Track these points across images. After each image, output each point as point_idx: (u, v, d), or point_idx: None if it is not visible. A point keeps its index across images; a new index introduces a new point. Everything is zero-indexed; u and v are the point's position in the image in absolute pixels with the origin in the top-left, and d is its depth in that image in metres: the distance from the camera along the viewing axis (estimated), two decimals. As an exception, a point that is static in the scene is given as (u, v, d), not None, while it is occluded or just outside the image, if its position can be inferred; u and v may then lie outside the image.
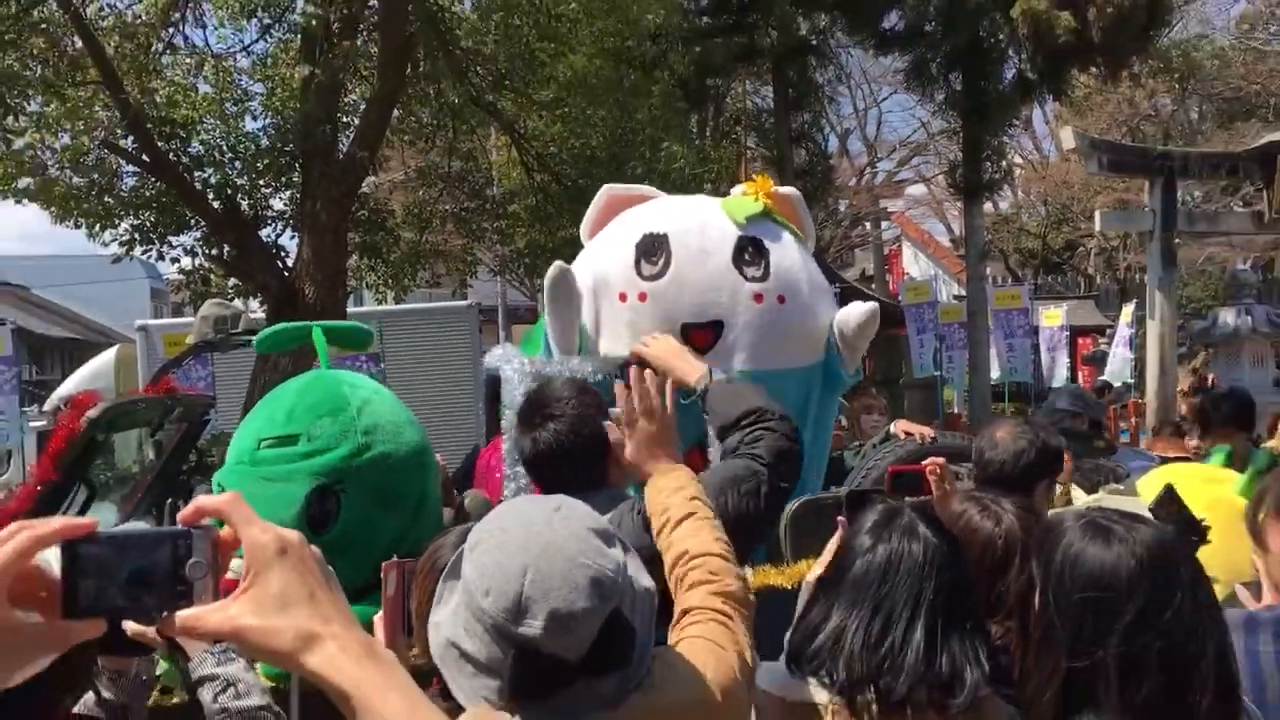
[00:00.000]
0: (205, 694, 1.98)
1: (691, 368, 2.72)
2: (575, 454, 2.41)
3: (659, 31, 13.88)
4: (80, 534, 0.98)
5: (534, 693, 1.56)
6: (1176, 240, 13.40)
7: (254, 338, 6.46)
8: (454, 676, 1.60)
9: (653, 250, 3.41)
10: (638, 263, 3.39)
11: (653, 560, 1.92)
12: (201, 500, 1.03)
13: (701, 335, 3.39)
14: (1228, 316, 13.56)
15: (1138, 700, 1.55)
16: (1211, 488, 3.93)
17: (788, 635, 1.92)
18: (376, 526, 2.75)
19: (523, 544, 1.56)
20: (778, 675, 1.90)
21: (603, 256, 3.45)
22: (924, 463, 3.08)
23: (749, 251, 3.44)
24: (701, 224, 3.45)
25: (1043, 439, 3.16)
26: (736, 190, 3.70)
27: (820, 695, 1.81)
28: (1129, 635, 1.57)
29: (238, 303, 11.56)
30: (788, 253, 3.56)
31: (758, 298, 3.40)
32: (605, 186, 3.72)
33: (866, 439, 6.01)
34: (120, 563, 0.99)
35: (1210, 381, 13.59)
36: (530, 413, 2.49)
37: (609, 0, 11.39)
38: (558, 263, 3.42)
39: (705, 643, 1.72)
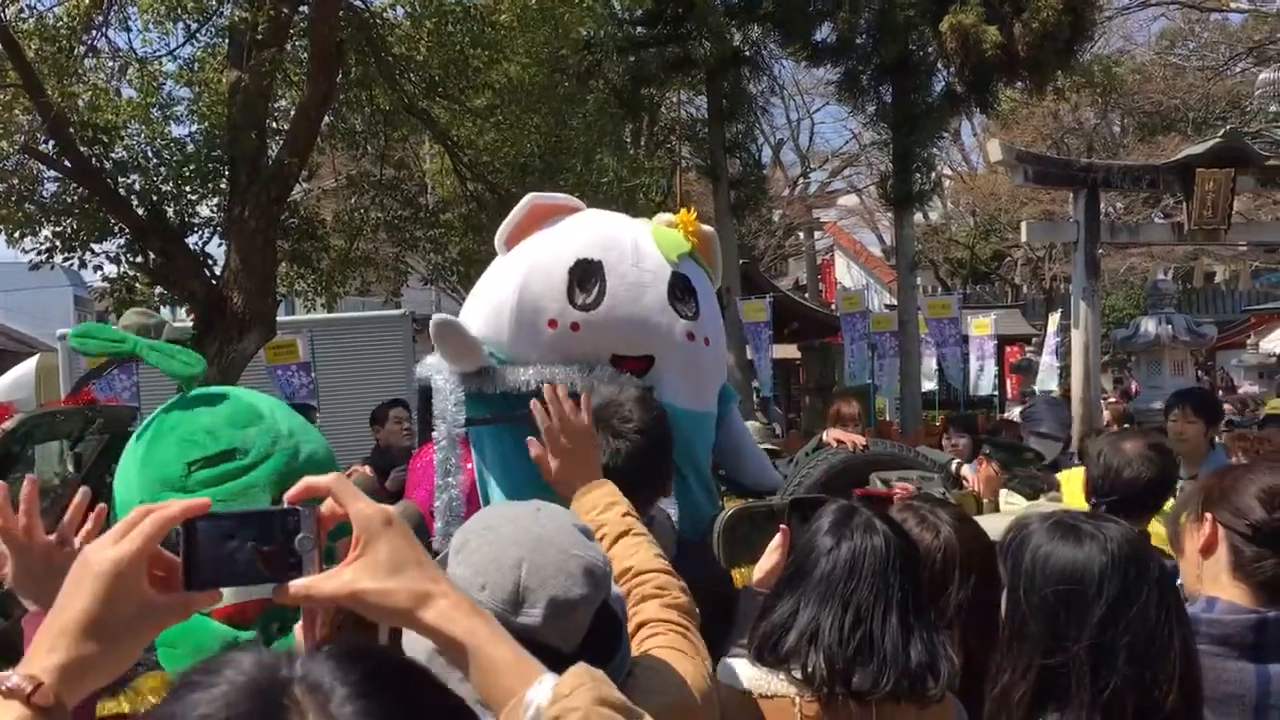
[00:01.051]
0: None
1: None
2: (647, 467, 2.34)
3: (593, 41, 13.89)
4: (198, 513, 1.08)
5: None
6: (1100, 251, 13.70)
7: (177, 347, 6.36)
8: (448, 679, 1.60)
9: (587, 278, 3.35)
10: (571, 290, 3.34)
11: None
12: (309, 480, 1.13)
13: (633, 365, 3.37)
14: (1149, 325, 13.88)
15: (1105, 695, 1.59)
16: None
17: (750, 633, 1.95)
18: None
19: (514, 538, 1.60)
20: (744, 671, 1.91)
21: (533, 279, 3.37)
22: (893, 488, 3.10)
23: (680, 289, 3.43)
24: (636, 255, 3.41)
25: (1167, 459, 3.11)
26: (662, 219, 3.68)
27: (790, 688, 1.84)
28: (1099, 630, 1.61)
29: (165, 311, 11.34)
30: (709, 297, 3.59)
31: (690, 336, 3.39)
32: (530, 195, 3.63)
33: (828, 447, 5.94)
34: (235, 538, 1.08)
35: (1133, 389, 13.90)
36: (597, 425, 2.33)
37: (543, 9, 11.36)
38: (439, 318, 3.29)
39: (674, 651, 1.75)
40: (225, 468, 2.66)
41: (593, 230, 3.55)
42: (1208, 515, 2.06)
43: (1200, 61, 30.07)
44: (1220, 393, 17.14)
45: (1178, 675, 1.60)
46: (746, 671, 1.90)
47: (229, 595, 3.05)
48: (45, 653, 1.04)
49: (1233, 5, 27.96)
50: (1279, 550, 1.97)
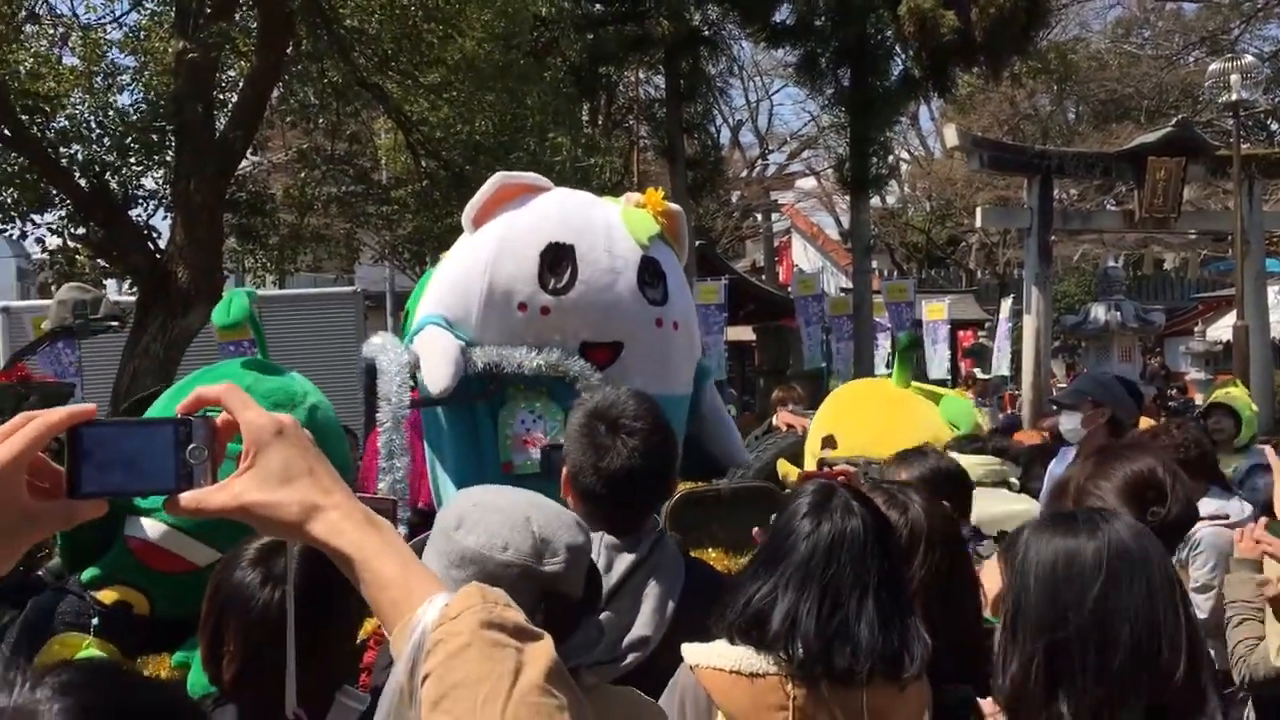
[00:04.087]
0: None
1: None
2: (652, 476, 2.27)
3: (550, 18, 13.74)
4: (84, 420, 1.03)
5: (559, 636, 1.59)
6: (1052, 237, 13.82)
7: (116, 323, 6.23)
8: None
9: (558, 262, 3.31)
10: (542, 274, 3.29)
11: None
12: (200, 389, 1.10)
13: (600, 353, 3.32)
14: (1099, 312, 14.04)
15: (1112, 668, 1.58)
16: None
17: (721, 612, 1.93)
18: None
19: (511, 504, 1.72)
20: (725, 651, 1.89)
21: (504, 261, 3.32)
22: (835, 469, 3.10)
23: (649, 273, 3.38)
24: (607, 239, 3.37)
25: None
26: (631, 198, 3.62)
27: (778, 668, 1.84)
28: (1099, 602, 1.61)
29: (111, 284, 11.12)
30: (678, 278, 3.55)
31: (658, 322, 3.35)
32: (499, 174, 3.56)
33: (778, 431, 5.98)
34: (122, 447, 1.05)
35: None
36: (599, 427, 2.27)
37: (499, -17, 11.23)
38: (450, 367, 3.24)
39: None
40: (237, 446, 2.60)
41: (564, 212, 3.50)
42: None
43: (1154, 50, 30.41)
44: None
45: (1185, 648, 1.60)
46: (729, 651, 1.89)
47: (149, 531, 3.04)
48: None
49: (1187, -5, 28.29)
50: None
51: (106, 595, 3.22)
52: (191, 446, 1.06)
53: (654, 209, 3.52)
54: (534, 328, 3.29)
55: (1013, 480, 3.87)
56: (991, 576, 2.02)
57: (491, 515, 1.68)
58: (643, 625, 2.15)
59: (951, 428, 4.14)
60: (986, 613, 2.21)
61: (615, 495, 2.23)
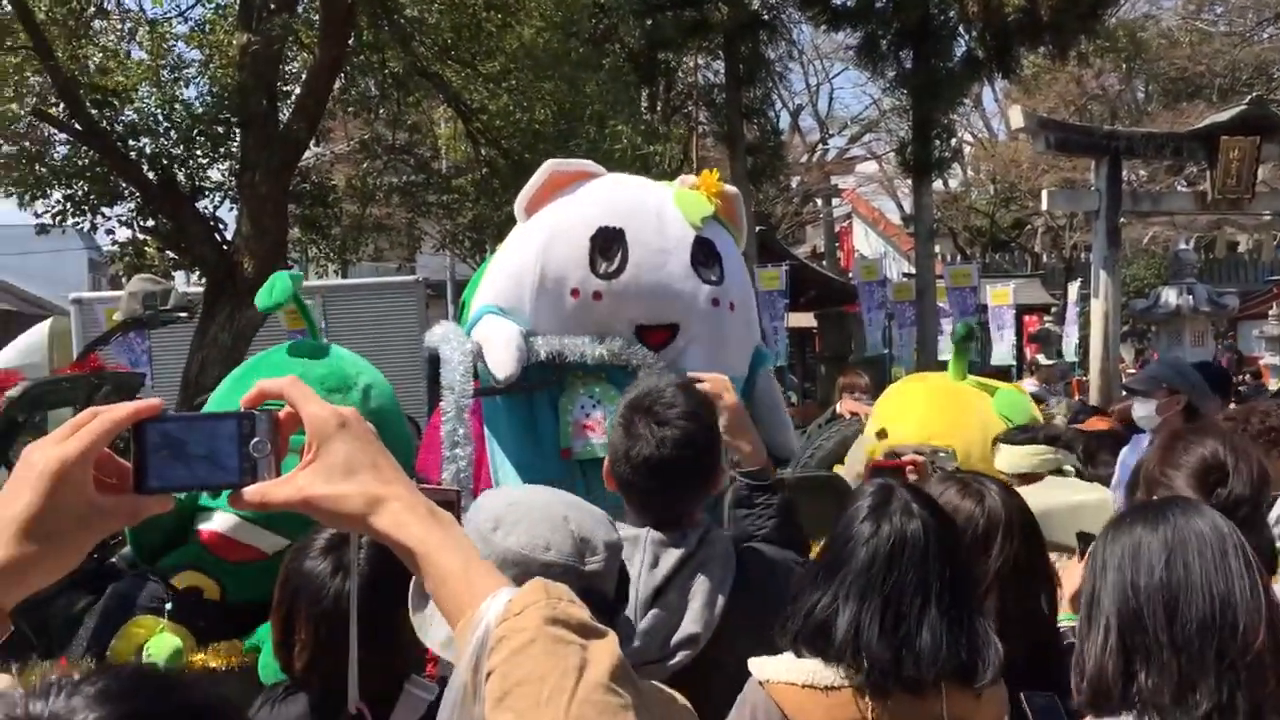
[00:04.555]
0: None
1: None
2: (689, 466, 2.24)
3: (608, 4, 13.71)
4: (149, 415, 1.04)
5: None
6: (1121, 220, 13.52)
7: (184, 313, 6.35)
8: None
9: (609, 246, 3.29)
10: (593, 258, 3.27)
11: None
12: (262, 382, 1.10)
13: (656, 335, 3.29)
14: (1170, 295, 13.72)
15: (1181, 646, 1.57)
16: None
17: (785, 624, 1.91)
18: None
19: (546, 503, 1.72)
20: (795, 665, 1.86)
21: (555, 248, 3.31)
22: (904, 459, 3.06)
23: (703, 253, 3.35)
24: (658, 221, 3.35)
25: None
26: (685, 180, 3.59)
27: (850, 680, 1.81)
28: (1165, 584, 1.60)
29: (179, 275, 11.32)
30: (735, 259, 3.51)
31: (714, 302, 3.32)
32: (549, 162, 3.56)
33: (842, 419, 5.88)
34: (187, 442, 1.05)
35: (1153, 360, 13.76)
36: (634, 416, 2.26)
37: (558, -29, 11.24)
38: (514, 353, 3.25)
39: None
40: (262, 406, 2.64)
41: (614, 196, 3.48)
42: None
43: (1227, 27, 29.59)
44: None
45: (1265, 618, 1.57)
46: (799, 665, 1.85)
47: (219, 523, 3.09)
48: None
49: (1261, -31, 27.49)
50: None
51: (179, 580, 3.28)
52: (255, 440, 1.07)
53: (709, 190, 3.48)
54: (588, 313, 3.28)
55: (1068, 468, 3.79)
56: (1072, 575, 1.99)
57: (532, 514, 1.68)
58: (691, 622, 2.13)
59: (1005, 420, 4.06)
60: (1064, 610, 2.17)
61: (644, 483, 2.22)
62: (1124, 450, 4.64)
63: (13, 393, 4.02)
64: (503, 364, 3.18)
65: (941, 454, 3.64)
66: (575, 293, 3.28)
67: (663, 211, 3.38)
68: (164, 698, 0.87)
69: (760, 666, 1.88)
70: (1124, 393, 6.71)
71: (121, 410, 1.04)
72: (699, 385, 2.60)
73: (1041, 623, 2.12)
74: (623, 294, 3.27)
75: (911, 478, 2.92)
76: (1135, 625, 1.60)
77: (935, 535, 1.87)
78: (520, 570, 1.62)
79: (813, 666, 1.83)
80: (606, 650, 1.02)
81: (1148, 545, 1.64)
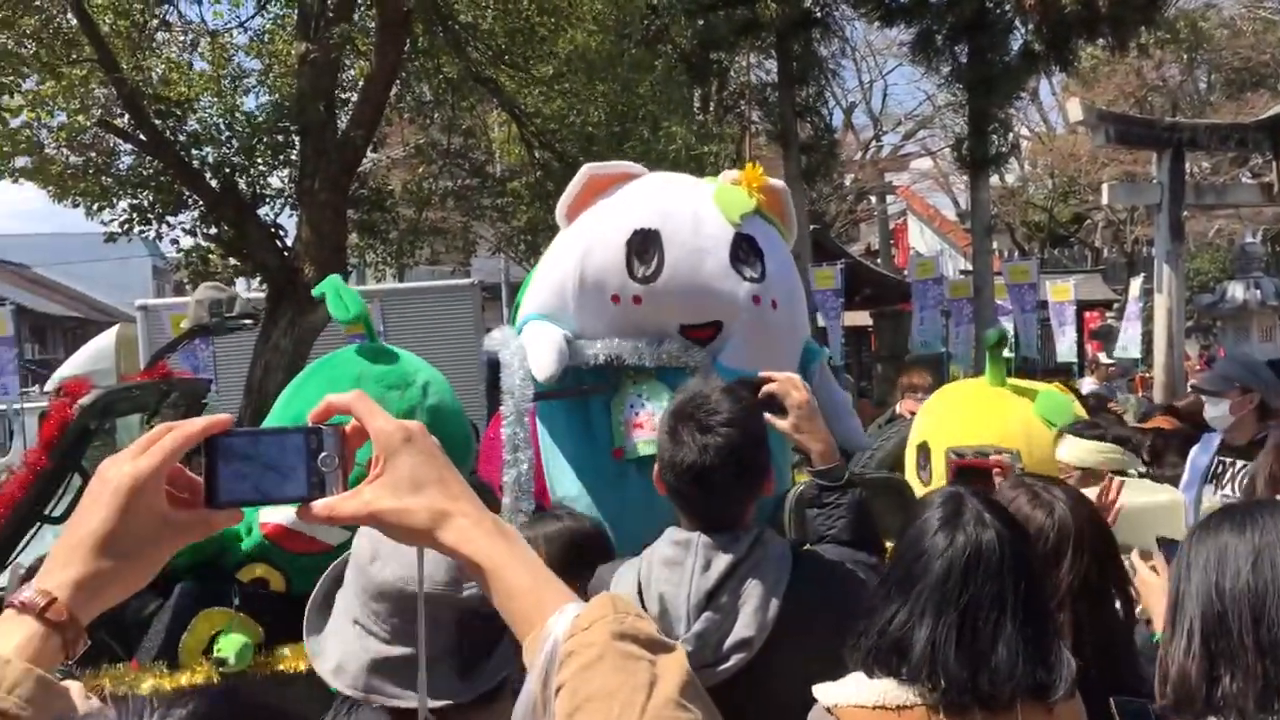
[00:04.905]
0: None
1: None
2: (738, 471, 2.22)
3: (660, 5, 13.70)
4: (220, 430, 1.06)
5: (479, 657, 1.65)
6: (1184, 213, 13.28)
7: (250, 320, 6.44)
8: (385, 689, 1.63)
9: (645, 249, 3.26)
10: (630, 263, 3.26)
11: None
12: (330, 398, 1.11)
13: (700, 334, 3.28)
14: (1236, 290, 13.43)
15: (1267, 647, 1.55)
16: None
17: (855, 642, 1.86)
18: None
19: None
20: (865, 686, 1.82)
21: (592, 254, 3.30)
22: (990, 459, 3.01)
23: (743, 250, 3.31)
24: (694, 219, 3.31)
25: None
26: (727, 176, 3.56)
27: (923, 699, 1.78)
28: (1251, 586, 1.58)
29: (240, 282, 11.50)
30: (779, 255, 3.44)
31: (755, 299, 3.27)
32: (586, 166, 3.54)
33: (902, 419, 5.80)
34: (256, 456, 1.07)
35: (1219, 356, 13.49)
36: (677, 423, 2.24)
37: (609, -27, 11.27)
38: (555, 354, 3.28)
39: None
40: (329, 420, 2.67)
41: (650, 197, 3.45)
42: None
43: (1292, 14, 28.93)
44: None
45: None
46: (869, 686, 1.81)
47: (282, 516, 3.14)
48: (60, 567, 1.02)
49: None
50: None
51: (246, 573, 3.34)
52: (323, 455, 1.08)
53: (751, 185, 3.44)
54: (630, 317, 3.26)
55: (1131, 471, 3.73)
56: (1154, 594, 1.95)
57: (405, 547, 1.67)
58: (744, 626, 2.11)
59: (1047, 424, 3.97)
60: (1147, 629, 2.12)
61: (689, 491, 2.21)
62: (1194, 450, 4.55)
63: (85, 400, 4.08)
64: (543, 366, 3.18)
65: (1005, 454, 3.60)
66: (615, 298, 3.26)
67: (700, 210, 3.34)
68: (251, 717, 0.89)
69: (825, 692, 1.84)
70: (1191, 391, 6.57)
71: (193, 426, 1.06)
72: (767, 385, 2.60)
73: (1116, 634, 2.07)
74: (662, 296, 3.24)
75: (998, 480, 2.86)
76: (1220, 629, 1.58)
77: (1010, 546, 1.82)
78: (394, 603, 1.63)
79: (883, 687, 1.79)
80: (676, 665, 1.02)
81: (1234, 548, 1.61)
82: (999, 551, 1.81)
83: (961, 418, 4.24)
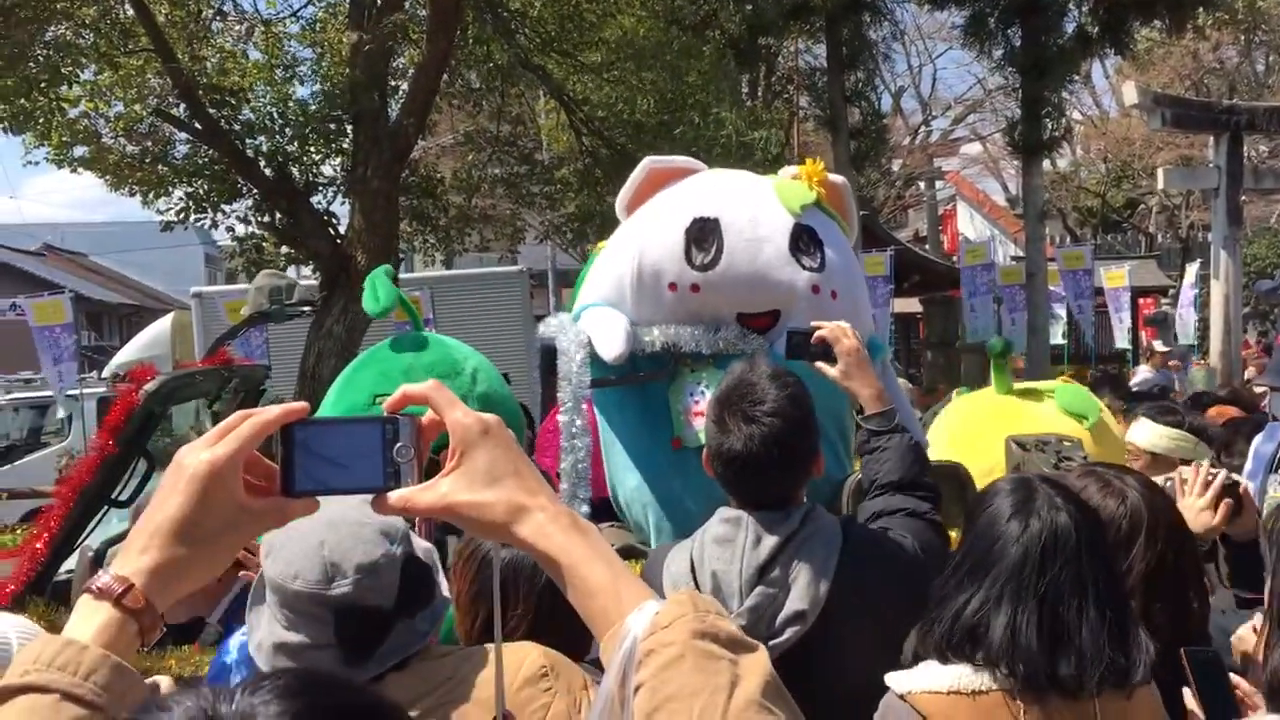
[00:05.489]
0: None
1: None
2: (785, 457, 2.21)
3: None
4: (297, 418, 1.06)
5: (364, 645, 1.73)
6: (1243, 197, 13.02)
7: (308, 307, 6.53)
8: None
9: (704, 237, 3.25)
10: (688, 251, 3.25)
11: None
12: (406, 388, 1.10)
13: (759, 322, 3.26)
14: (1296, 276, 13.17)
15: None
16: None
17: (927, 629, 1.84)
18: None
19: (309, 527, 1.72)
20: (940, 672, 1.80)
21: (650, 243, 3.30)
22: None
23: (803, 240, 3.29)
24: (754, 209, 3.30)
25: None
26: (787, 171, 3.54)
27: (1002, 684, 1.76)
28: None
29: (291, 271, 11.63)
30: (840, 248, 3.41)
31: (815, 289, 3.25)
32: (646, 159, 3.54)
33: None
34: (332, 446, 1.06)
35: (1277, 343, 13.22)
36: (723, 410, 2.24)
37: (657, -40, 11.24)
38: (622, 335, 3.24)
39: None
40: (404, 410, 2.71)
41: (709, 187, 3.45)
42: None
43: (1355, -7, 28.22)
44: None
45: None
46: (942, 672, 1.80)
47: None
48: (137, 554, 1.02)
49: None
50: None
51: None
52: (399, 445, 1.07)
53: (811, 179, 3.43)
54: (687, 306, 3.25)
55: (1203, 463, 3.67)
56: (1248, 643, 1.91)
57: (291, 543, 1.73)
58: (797, 599, 2.12)
59: (1078, 419, 3.86)
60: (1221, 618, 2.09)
61: (735, 478, 2.22)
62: (1257, 439, 4.47)
63: (149, 386, 4.15)
64: (611, 346, 3.18)
65: (1065, 443, 3.55)
66: (673, 286, 3.25)
67: (760, 199, 3.33)
68: (336, 693, 0.91)
69: (898, 680, 1.82)
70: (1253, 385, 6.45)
71: (270, 413, 1.05)
72: (819, 333, 2.64)
73: (1191, 623, 2.03)
74: (720, 284, 3.22)
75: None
76: None
77: (1085, 530, 1.80)
78: (280, 595, 1.73)
79: (958, 672, 1.77)
80: (758, 665, 1.00)
81: None
82: (1075, 535, 1.78)
83: (980, 430, 4.09)
